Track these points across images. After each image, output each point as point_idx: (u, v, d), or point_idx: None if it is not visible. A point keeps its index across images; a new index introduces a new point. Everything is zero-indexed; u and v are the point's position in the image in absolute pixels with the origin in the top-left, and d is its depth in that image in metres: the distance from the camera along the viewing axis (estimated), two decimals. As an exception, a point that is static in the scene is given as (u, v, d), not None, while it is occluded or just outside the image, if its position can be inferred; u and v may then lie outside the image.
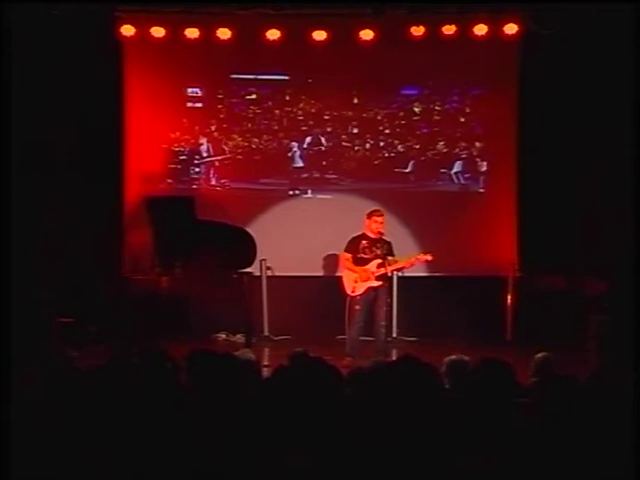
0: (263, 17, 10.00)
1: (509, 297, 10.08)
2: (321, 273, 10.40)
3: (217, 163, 10.26)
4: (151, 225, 9.66)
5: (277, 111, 10.16)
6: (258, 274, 10.00)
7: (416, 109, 9.99)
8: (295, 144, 10.13)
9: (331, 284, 9.34)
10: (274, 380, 4.12)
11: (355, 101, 10.07)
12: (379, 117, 10.04)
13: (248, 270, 9.50)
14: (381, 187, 10.01)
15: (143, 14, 10.11)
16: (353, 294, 8.78)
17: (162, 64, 10.36)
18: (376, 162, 10.11)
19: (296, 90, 10.15)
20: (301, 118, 10.10)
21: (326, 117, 10.08)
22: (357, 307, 8.76)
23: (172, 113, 10.44)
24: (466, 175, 10.19)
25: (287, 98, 10.10)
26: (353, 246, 8.88)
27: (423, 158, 10.10)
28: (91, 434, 3.70)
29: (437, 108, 9.98)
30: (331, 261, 10.18)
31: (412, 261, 8.86)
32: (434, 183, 10.11)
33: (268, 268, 10.16)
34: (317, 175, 10.14)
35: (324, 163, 10.15)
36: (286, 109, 10.11)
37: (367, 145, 10.10)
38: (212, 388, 4.14)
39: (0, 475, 3.65)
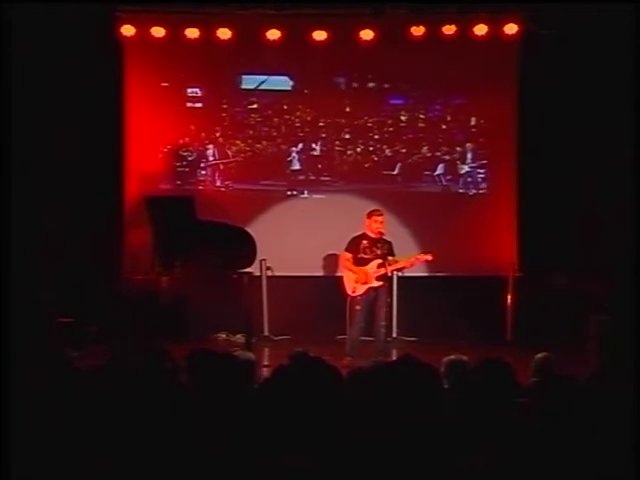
0: (263, 17, 10.02)
1: (509, 297, 10.09)
2: (321, 273, 10.41)
3: (222, 166, 10.58)
4: (151, 225, 9.66)
5: (276, 119, 10.52)
6: (258, 274, 10.00)
7: (402, 117, 10.46)
8: (293, 149, 10.54)
9: (331, 284, 9.35)
10: (274, 380, 4.12)
11: (347, 110, 10.46)
12: (369, 124, 10.50)
13: (248, 270, 9.50)
14: (371, 188, 10.41)
15: (143, 14, 10.12)
16: (354, 294, 8.78)
17: (162, 64, 10.37)
18: (366, 165, 10.53)
19: (293, 100, 10.50)
20: (298, 125, 10.52)
21: (321, 124, 10.51)
22: (358, 307, 8.77)
23: (172, 113, 10.46)
24: (447, 177, 10.54)
25: (285, 107, 10.48)
26: (353, 246, 8.88)
27: (409, 161, 10.52)
28: (91, 434, 3.70)
29: (421, 116, 10.47)
30: (331, 261, 10.19)
31: (412, 261, 8.87)
32: (419, 184, 10.54)
33: (268, 268, 10.16)
34: (313, 177, 10.55)
35: (319, 166, 10.56)
36: (284, 117, 10.51)
37: (358, 150, 10.54)
38: (212, 388, 4.13)
39: (0, 475, 3.65)
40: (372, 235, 8.87)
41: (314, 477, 3.46)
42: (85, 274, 9.70)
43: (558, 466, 3.49)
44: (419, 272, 9.70)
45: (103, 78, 9.96)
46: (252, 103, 10.47)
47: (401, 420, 3.59)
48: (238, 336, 9.78)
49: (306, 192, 10.54)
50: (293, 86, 10.52)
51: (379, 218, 8.89)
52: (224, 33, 10.11)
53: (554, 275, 9.74)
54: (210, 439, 3.64)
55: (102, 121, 10.05)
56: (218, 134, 10.49)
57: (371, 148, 10.46)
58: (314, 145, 10.47)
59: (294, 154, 10.50)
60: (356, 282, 8.78)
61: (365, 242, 8.85)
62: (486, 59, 10.24)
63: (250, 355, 5.15)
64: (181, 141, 10.45)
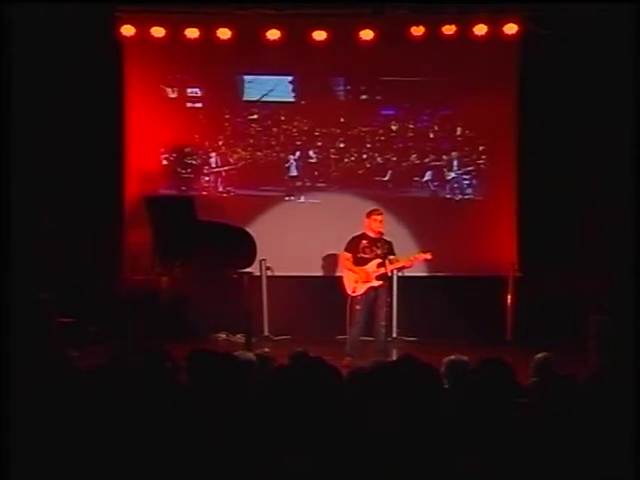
0: (263, 17, 10.02)
1: (509, 297, 10.09)
2: (321, 273, 10.42)
3: (224, 173, 10.76)
4: (151, 225, 9.66)
5: (275, 129, 10.72)
6: (258, 274, 10.01)
7: (393, 127, 10.71)
8: (291, 156, 10.78)
9: (331, 284, 9.34)
10: (274, 380, 4.12)
11: (342, 120, 10.66)
12: (362, 134, 10.73)
13: (248, 270, 9.50)
14: (364, 192, 10.60)
15: (143, 14, 10.13)
16: (354, 294, 8.78)
17: (162, 64, 10.38)
18: (360, 172, 10.72)
19: (291, 111, 10.68)
20: (295, 134, 10.74)
21: (317, 134, 10.73)
22: (358, 307, 8.77)
23: (172, 113, 10.47)
24: (435, 183, 10.68)
25: (283, 118, 10.68)
26: (353, 246, 8.88)
27: (399, 168, 10.69)
28: (91, 434, 3.70)
29: (410, 126, 10.69)
30: (331, 261, 10.19)
31: (412, 260, 8.87)
32: (408, 190, 10.71)
33: (268, 268, 10.17)
34: (309, 183, 10.77)
35: (315, 173, 10.76)
36: (283, 127, 10.72)
37: (352, 157, 10.77)
38: (212, 388, 4.13)
39: (0, 475, 3.65)
40: (372, 235, 8.87)
41: (314, 477, 3.46)
42: (85, 274, 9.70)
43: (558, 466, 3.49)
44: (419, 272, 9.71)
45: (103, 78, 9.96)
46: (253, 114, 10.68)
47: (401, 420, 3.59)
48: (238, 336, 9.78)
49: (303, 197, 10.73)
50: (294, 92, 10.58)
51: (378, 217, 8.89)
52: (224, 33, 10.11)
53: (554, 275, 9.73)
54: (210, 439, 3.64)
55: (102, 121, 10.05)
56: (221, 142, 10.67)
57: (364, 156, 10.71)
58: (311, 153, 10.69)
59: (292, 161, 10.76)
60: (356, 282, 8.78)
61: (365, 242, 8.85)
62: (486, 59, 10.24)
63: (250, 355, 5.14)
64: (186, 150, 10.58)
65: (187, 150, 10.59)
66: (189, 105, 10.56)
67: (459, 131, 10.59)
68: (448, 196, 10.65)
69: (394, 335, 10.06)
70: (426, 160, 10.64)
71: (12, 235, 6.94)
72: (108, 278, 9.62)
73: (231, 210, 10.36)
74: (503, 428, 3.74)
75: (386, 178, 10.66)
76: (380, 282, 8.78)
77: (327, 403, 3.75)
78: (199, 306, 9.61)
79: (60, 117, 9.82)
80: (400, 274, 9.41)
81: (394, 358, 8.47)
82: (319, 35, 10.12)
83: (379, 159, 10.66)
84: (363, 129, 10.64)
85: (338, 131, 10.65)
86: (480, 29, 10.05)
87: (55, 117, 9.78)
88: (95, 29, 9.66)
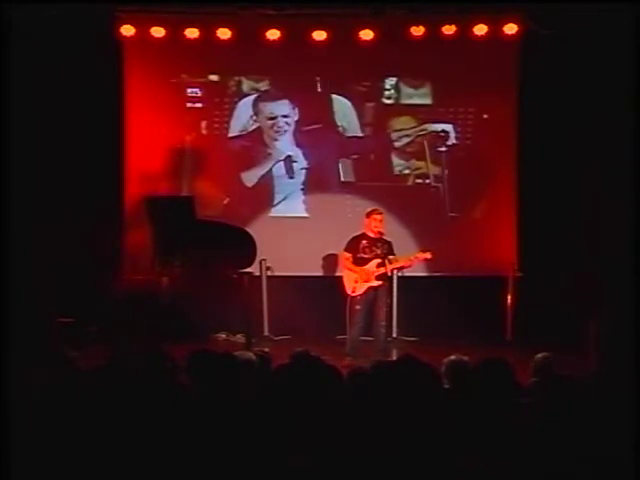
0: (263, 17, 10.02)
1: (509, 297, 10.08)
2: (321, 273, 10.41)
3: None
4: (151, 225, 9.66)
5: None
6: (258, 274, 10.00)
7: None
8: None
9: (331, 284, 9.34)
10: (274, 380, 4.12)
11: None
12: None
13: (248, 270, 9.50)
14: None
15: (143, 14, 10.12)
16: (353, 294, 8.78)
17: (162, 64, 10.38)
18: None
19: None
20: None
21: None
22: (357, 307, 8.77)
23: (172, 113, 10.47)
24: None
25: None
26: (353, 246, 8.88)
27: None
28: (91, 434, 3.70)
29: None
30: (331, 261, 10.19)
31: (412, 260, 8.87)
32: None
33: (268, 268, 10.17)
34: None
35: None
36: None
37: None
38: (212, 388, 4.13)
39: (0, 475, 3.65)
40: (371, 235, 8.87)
41: (314, 477, 3.46)
42: (85, 274, 9.69)
43: (558, 466, 3.49)
44: (419, 272, 9.71)
45: (103, 78, 9.95)
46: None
47: (401, 420, 3.59)
48: (238, 336, 9.78)
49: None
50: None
51: (378, 217, 8.90)
52: (224, 33, 10.11)
53: (554, 275, 9.73)
54: (210, 439, 3.64)
55: (102, 121, 10.04)
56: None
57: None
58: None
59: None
60: (356, 282, 8.78)
61: (364, 242, 8.85)
62: (486, 59, 10.24)
63: (250, 355, 5.14)
64: (186, 150, 10.51)
65: (187, 150, 10.57)
66: (189, 105, 10.55)
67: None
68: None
69: (394, 335, 10.05)
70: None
71: (12, 235, 6.95)
72: (108, 278, 9.61)
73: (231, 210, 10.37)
74: (503, 428, 3.74)
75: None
76: (380, 282, 8.78)
77: (327, 403, 3.75)
78: (199, 306, 9.61)
79: (60, 117, 9.80)
80: (400, 274, 9.41)
81: (394, 358, 8.47)
82: (319, 35, 10.11)
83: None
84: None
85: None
86: (480, 29, 10.04)
87: (55, 117, 9.76)
88: (95, 29, 9.66)
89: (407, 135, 10.60)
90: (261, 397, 4.00)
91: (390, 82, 10.55)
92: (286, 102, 10.54)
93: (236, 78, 10.57)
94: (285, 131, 10.57)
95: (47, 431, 3.71)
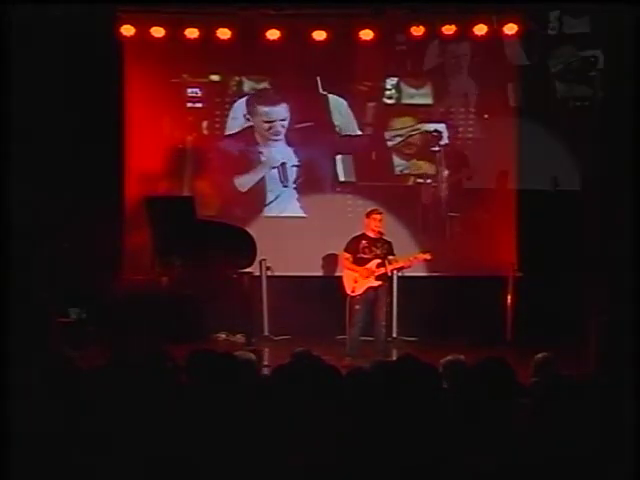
0: (263, 17, 10.02)
1: (509, 297, 10.08)
2: (321, 273, 10.42)
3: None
4: (151, 225, 9.66)
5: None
6: (258, 274, 10.01)
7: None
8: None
9: (331, 284, 9.35)
10: (274, 380, 4.12)
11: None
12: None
13: (248, 270, 9.50)
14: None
15: (143, 14, 10.12)
16: (353, 294, 8.78)
17: (162, 64, 10.38)
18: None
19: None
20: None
21: None
22: (357, 307, 8.77)
23: (172, 113, 10.47)
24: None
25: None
26: (353, 246, 8.88)
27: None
28: (91, 434, 3.70)
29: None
30: (331, 261, 10.19)
31: (411, 260, 8.88)
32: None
33: (268, 268, 10.17)
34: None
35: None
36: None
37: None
38: (212, 388, 4.13)
39: (0, 475, 3.65)
40: (371, 235, 8.87)
41: (314, 477, 3.46)
42: (85, 274, 9.69)
43: (558, 466, 3.49)
44: (419, 272, 9.71)
45: (103, 78, 9.96)
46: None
47: (401, 420, 3.59)
48: (238, 336, 9.78)
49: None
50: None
51: (378, 217, 8.90)
52: (224, 33, 10.10)
53: (554, 275, 9.72)
54: (210, 439, 3.64)
55: (102, 121, 10.04)
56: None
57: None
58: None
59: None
60: (356, 282, 8.78)
61: (364, 242, 8.86)
62: (486, 59, 10.25)
63: (250, 355, 5.14)
64: (186, 150, 10.53)
65: (187, 150, 10.58)
66: (189, 105, 10.56)
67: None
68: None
69: (394, 335, 10.06)
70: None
71: (12, 235, 6.95)
72: (108, 278, 9.62)
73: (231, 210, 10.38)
74: (503, 428, 3.74)
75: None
76: (380, 282, 8.79)
77: (327, 403, 3.75)
78: (199, 306, 9.61)
79: (60, 117, 9.81)
80: (400, 274, 9.41)
81: (394, 358, 8.47)
82: (319, 35, 10.11)
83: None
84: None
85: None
86: (480, 29, 10.04)
87: (55, 117, 9.77)
88: (95, 29, 9.66)
89: (400, 135, 10.59)
90: (261, 397, 4.00)
91: (391, 82, 10.57)
92: (284, 105, 10.53)
93: (236, 78, 10.60)
94: (281, 133, 10.58)
95: (47, 431, 3.71)
